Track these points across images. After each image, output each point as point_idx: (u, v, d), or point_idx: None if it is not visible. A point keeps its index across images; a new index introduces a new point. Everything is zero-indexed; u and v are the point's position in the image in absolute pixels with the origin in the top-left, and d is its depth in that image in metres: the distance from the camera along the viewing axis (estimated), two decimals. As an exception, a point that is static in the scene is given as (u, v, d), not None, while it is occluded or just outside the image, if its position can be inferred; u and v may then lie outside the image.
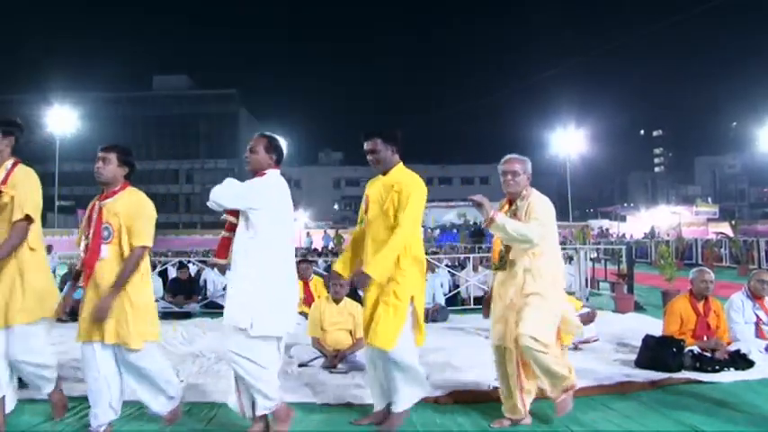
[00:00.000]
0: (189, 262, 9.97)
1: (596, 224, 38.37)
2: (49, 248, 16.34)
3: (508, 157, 3.39)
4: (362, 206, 3.36)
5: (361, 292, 3.42)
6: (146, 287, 3.15)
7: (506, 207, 3.38)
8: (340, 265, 3.52)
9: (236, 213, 3.03)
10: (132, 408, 3.45)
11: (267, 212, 2.94)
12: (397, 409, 3.13)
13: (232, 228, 3.04)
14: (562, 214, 50.25)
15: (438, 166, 63.22)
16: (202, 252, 18.40)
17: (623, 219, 39.84)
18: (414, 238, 3.17)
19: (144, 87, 61.34)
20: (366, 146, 3.30)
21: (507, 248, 3.29)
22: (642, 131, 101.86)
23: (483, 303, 3.62)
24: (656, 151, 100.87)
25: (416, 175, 3.27)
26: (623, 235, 31.70)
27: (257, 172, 3.08)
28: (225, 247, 3.07)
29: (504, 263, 3.29)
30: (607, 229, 35.82)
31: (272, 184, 3.06)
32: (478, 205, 3.21)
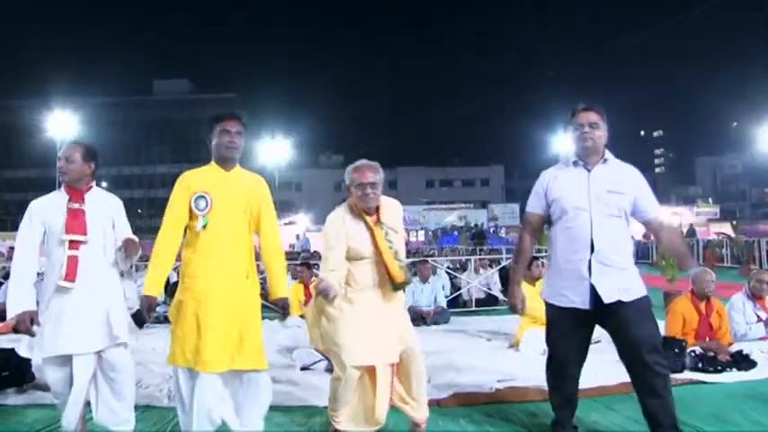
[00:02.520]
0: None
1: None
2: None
3: (364, 163, 3.02)
4: None
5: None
6: None
7: (368, 218, 3.00)
8: None
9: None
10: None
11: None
12: None
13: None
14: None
15: (439, 168, 63.30)
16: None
17: (624, 219, 39.75)
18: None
19: (144, 92, 61.46)
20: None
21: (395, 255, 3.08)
22: (642, 132, 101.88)
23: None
24: (657, 152, 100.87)
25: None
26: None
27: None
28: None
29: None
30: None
31: None
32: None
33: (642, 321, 2.83)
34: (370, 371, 2.97)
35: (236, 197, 2.91)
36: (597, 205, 2.85)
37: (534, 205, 3.06)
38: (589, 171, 2.92)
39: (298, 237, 30.56)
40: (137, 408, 3.57)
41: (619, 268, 2.83)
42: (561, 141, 41.64)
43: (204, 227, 2.82)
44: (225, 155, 2.94)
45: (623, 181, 2.90)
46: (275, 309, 3.01)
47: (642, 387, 2.83)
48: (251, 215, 2.93)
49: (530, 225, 3.12)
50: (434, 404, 3.68)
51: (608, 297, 2.80)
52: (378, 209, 3.02)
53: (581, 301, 2.86)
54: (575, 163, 2.97)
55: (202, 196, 2.86)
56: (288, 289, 2.90)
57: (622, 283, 2.82)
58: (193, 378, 2.78)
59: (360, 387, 3.01)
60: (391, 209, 3.08)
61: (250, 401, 2.86)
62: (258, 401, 2.88)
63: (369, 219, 2.98)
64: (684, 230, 25.19)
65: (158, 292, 2.97)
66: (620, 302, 2.81)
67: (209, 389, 2.74)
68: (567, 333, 2.99)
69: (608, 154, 2.97)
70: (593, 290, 2.82)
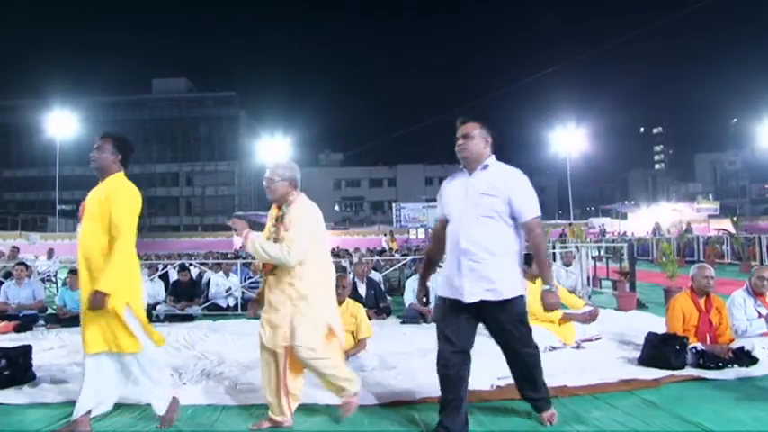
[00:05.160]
0: (190, 264, 9.97)
1: (597, 222, 38.36)
2: (51, 252, 16.33)
3: (276, 161, 3.48)
4: None
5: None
6: None
7: (276, 211, 3.35)
8: None
9: None
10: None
11: None
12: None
13: None
14: (563, 213, 50.41)
15: (439, 165, 63.21)
16: (203, 254, 18.40)
17: (624, 216, 39.81)
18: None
19: (143, 91, 61.43)
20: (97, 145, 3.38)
21: None
22: (642, 129, 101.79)
23: (251, 302, 3.69)
24: (657, 148, 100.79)
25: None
26: (624, 233, 31.67)
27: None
28: None
29: (273, 268, 3.24)
30: (602, 225, 35.80)
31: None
32: (234, 229, 3.31)
33: (509, 322, 3.07)
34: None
35: (93, 205, 3.20)
36: (470, 208, 3.02)
37: (438, 211, 3.32)
38: (470, 177, 3.11)
39: None
40: (137, 407, 3.58)
41: (490, 268, 2.96)
42: (559, 139, 41.77)
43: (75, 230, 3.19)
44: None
45: (498, 184, 3.01)
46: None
47: (517, 369, 3.26)
48: (102, 220, 3.13)
49: (434, 230, 3.42)
50: (435, 401, 3.68)
51: (470, 297, 2.98)
52: (284, 204, 3.29)
53: (459, 294, 3.03)
54: (461, 170, 3.18)
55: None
56: (106, 284, 3.00)
57: (491, 283, 2.96)
58: None
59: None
60: (295, 209, 3.24)
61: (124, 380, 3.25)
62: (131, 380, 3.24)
63: (275, 210, 3.36)
64: (684, 227, 25.24)
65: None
66: (487, 302, 2.98)
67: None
68: (454, 324, 3.12)
69: (490, 160, 3.12)
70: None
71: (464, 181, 3.12)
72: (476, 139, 3.08)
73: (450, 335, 3.09)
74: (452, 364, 3.07)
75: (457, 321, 3.09)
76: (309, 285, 3.20)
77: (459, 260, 3.00)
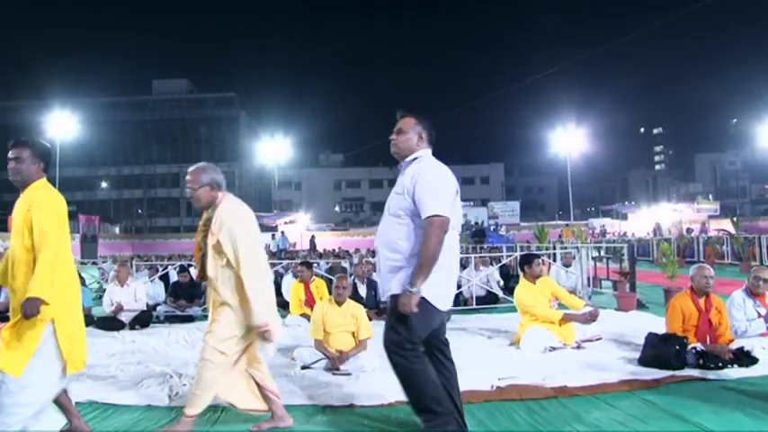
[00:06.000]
0: (190, 265, 9.96)
1: (597, 223, 38.36)
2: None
3: (190, 169, 3.24)
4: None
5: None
6: None
7: (204, 216, 3.21)
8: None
9: None
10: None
11: None
12: None
13: None
14: (564, 213, 50.39)
15: (439, 166, 63.11)
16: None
17: (624, 217, 39.79)
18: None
19: (143, 92, 61.48)
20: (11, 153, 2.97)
21: (204, 258, 3.16)
22: (642, 129, 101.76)
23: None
24: (657, 149, 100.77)
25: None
26: (624, 233, 31.66)
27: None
28: None
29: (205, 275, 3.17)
30: (603, 226, 35.80)
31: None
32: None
33: (388, 320, 2.91)
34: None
35: (18, 220, 2.91)
36: (387, 207, 2.98)
37: None
38: (399, 174, 3.03)
39: (273, 236, 30.14)
40: (138, 408, 3.58)
41: (396, 268, 2.85)
42: (560, 139, 41.78)
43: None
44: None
45: (406, 182, 2.89)
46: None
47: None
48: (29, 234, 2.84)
49: None
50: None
51: (384, 296, 2.95)
52: (209, 209, 3.17)
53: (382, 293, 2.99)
54: (399, 167, 3.08)
55: None
56: (39, 289, 2.71)
57: (394, 283, 2.86)
58: None
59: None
60: (222, 212, 3.11)
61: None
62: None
63: (204, 215, 3.22)
64: (684, 228, 25.24)
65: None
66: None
67: None
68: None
69: (418, 154, 2.98)
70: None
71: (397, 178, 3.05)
72: (408, 134, 2.99)
73: None
74: None
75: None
76: (233, 290, 3.09)
77: (377, 259, 3.02)
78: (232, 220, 3.07)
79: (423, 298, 2.73)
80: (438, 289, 2.82)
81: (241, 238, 3.03)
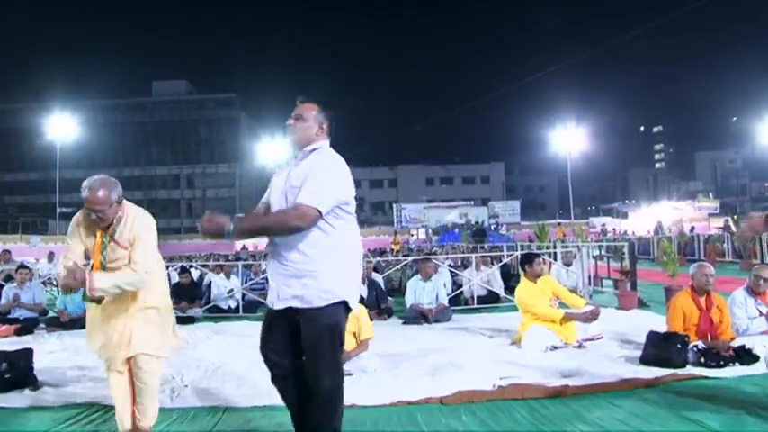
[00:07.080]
0: (191, 266, 9.98)
1: (598, 222, 38.37)
2: (51, 256, 16.35)
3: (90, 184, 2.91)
4: None
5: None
6: None
7: (100, 233, 2.96)
8: None
9: None
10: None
11: None
12: None
13: None
14: (564, 212, 50.40)
15: (439, 166, 63.29)
16: (204, 256, 18.41)
17: (625, 216, 39.82)
18: None
19: (143, 93, 61.45)
20: None
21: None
22: (642, 128, 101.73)
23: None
24: (657, 147, 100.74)
25: None
26: (625, 232, 31.66)
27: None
28: None
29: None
30: (603, 225, 35.80)
31: None
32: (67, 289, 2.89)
33: (315, 338, 2.46)
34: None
35: None
36: (283, 200, 2.59)
37: (264, 196, 2.84)
38: (294, 164, 2.68)
39: None
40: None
41: (300, 271, 2.48)
42: (560, 138, 41.79)
43: None
44: None
45: (302, 174, 2.54)
46: None
47: (308, 416, 2.54)
48: None
49: (256, 210, 2.87)
50: (437, 401, 3.70)
51: (278, 302, 2.53)
52: (113, 222, 2.96)
53: (270, 300, 2.63)
54: (295, 157, 2.74)
55: None
56: None
57: (301, 289, 2.47)
58: None
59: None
60: (130, 222, 3.00)
61: None
62: None
63: (99, 231, 2.97)
64: (688, 228, 25.22)
65: None
66: (296, 310, 2.48)
67: None
68: (267, 337, 2.64)
69: (318, 144, 2.66)
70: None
71: (290, 168, 2.68)
72: (308, 122, 2.66)
73: (267, 352, 2.62)
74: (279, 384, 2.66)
75: (271, 334, 2.62)
76: (157, 294, 3.08)
77: (272, 259, 2.61)
78: (141, 229, 3.00)
79: (343, 302, 2.51)
80: (354, 288, 2.62)
81: (154, 244, 3.04)
